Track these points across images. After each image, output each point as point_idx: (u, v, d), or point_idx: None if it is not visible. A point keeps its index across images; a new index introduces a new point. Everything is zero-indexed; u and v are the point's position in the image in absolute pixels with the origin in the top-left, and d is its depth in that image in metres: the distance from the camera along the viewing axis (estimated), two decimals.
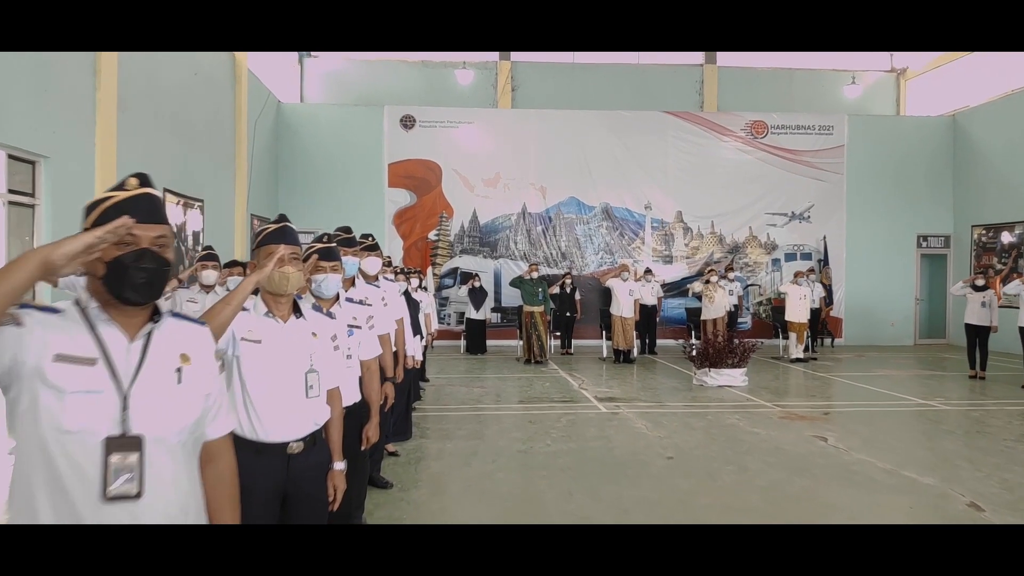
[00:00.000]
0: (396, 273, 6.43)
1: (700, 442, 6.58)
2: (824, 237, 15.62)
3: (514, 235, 15.37)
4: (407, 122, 15.26)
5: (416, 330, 6.71)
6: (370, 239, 5.01)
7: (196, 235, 10.46)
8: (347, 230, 4.86)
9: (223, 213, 11.72)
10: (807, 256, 15.85)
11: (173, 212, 9.63)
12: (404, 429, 6.43)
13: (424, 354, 9.11)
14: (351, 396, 3.45)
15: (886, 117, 16.65)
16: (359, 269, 4.86)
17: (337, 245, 3.60)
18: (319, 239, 3.45)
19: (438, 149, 15.26)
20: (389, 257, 10.06)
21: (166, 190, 9.36)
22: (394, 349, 5.04)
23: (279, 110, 15.12)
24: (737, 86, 16.59)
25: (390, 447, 6.02)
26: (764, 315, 15.70)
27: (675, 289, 15.21)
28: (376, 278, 5.04)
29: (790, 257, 15.84)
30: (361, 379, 3.66)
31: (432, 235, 15.25)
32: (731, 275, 13.62)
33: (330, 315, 2.93)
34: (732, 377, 9.86)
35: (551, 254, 15.39)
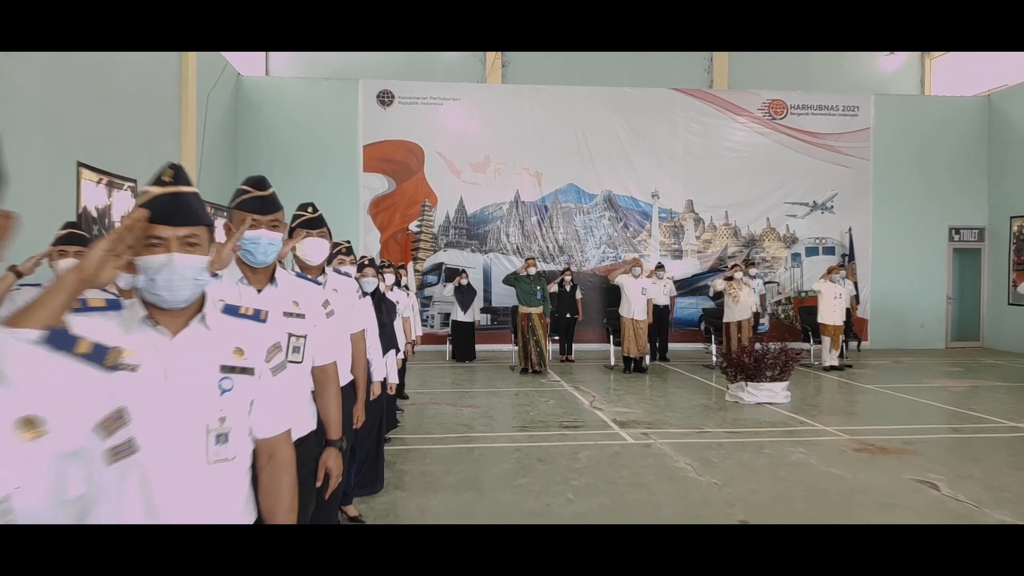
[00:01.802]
0: (364, 266, 4.71)
1: (772, 492, 4.92)
2: (849, 229, 14.06)
3: (506, 226, 13.66)
4: (385, 98, 13.49)
5: (390, 344, 4.98)
6: (309, 210, 3.32)
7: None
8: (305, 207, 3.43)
9: None
10: (830, 250, 14.29)
11: (92, 192, 7.82)
12: (372, 479, 4.72)
13: (402, 366, 7.42)
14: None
15: (915, 97, 15.11)
16: (295, 256, 3.20)
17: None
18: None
19: (420, 129, 13.51)
20: (366, 258, 8.34)
21: (80, 164, 7.55)
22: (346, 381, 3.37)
23: (239, 84, 13.29)
24: (750, 61, 14.89)
25: (351, 509, 4.30)
26: (784, 316, 14.11)
27: (686, 287, 13.57)
28: (321, 270, 3.35)
29: (811, 251, 14.27)
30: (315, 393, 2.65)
31: (413, 226, 13.51)
32: (752, 271, 11.99)
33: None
34: (773, 393, 8.22)
35: (547, 248, 13.69)
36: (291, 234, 3.33)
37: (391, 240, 13.44)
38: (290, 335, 2.36)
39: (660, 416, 7.51)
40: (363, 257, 4.86)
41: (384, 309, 4.97)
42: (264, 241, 2.31)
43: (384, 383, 4.83)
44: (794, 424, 7.21)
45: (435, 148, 13.51)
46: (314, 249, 3.27)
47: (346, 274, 3.53)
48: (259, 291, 2.39)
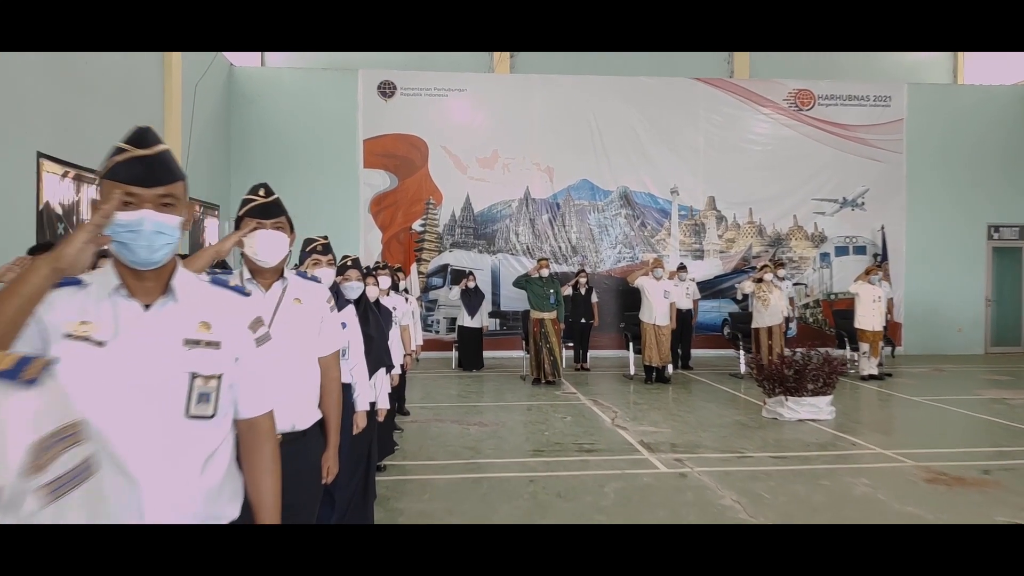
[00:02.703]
0: (345, 268, 3.89)
1: None
2: (882, 227, 13.15)
3: (515, 225, 12.82)
4: (386, 89, 12.68)
5: (380, 361, 4.14)
6: (261, 193, 2.54)
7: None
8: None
9: None
10: (861, 250, 13.40)
11: (56, 187, 7.02)
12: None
13: (403, 378, 6.60)
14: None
15: (951, 87, 14.18)
16: (243, 255, 2.44)
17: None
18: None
19: (424, 122, 12.69)
20: (349, 258, 7.58)
21: (41, 155, 6.74)
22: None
23: (231, 75, 12.51)
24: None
25: None
26: (813, 320, 13.21)
27: (708, 289, 12.68)
28: (279, 273, 2.56)
29: (841, 251, 13.37)
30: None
31: (417, 225, 12.68)
32: (780, 272, 11.10)
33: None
34: (816, 409, 7.35)
35: (560, 248, 12.84)
36: (238, 225, 2.52)
37: (393, 240, 12.62)
38: (193, 375, 1.53)
39: (692, 436, 6.64)
40: (345, 257, 4.01)
41: (372, 319, 4.13)
42: (148, 226, 1.48)
43: (372, 410, 4.00)
44: (845, 446, 6.33)
45: (440, 142, 12.69)
46: (267, 245, 2.45)
47: (314, 278, 2.69)
48: (146, 307, 1.55)
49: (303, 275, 2.65)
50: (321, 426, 2.64)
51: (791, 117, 13.22)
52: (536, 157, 12.80)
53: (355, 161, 12.67)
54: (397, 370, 5.52)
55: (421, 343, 7.82)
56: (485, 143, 12.75)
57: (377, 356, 4.08)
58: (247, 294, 1.70)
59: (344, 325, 3.45)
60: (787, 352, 7.87)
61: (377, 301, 5.33)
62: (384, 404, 4.14)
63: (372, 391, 4.06)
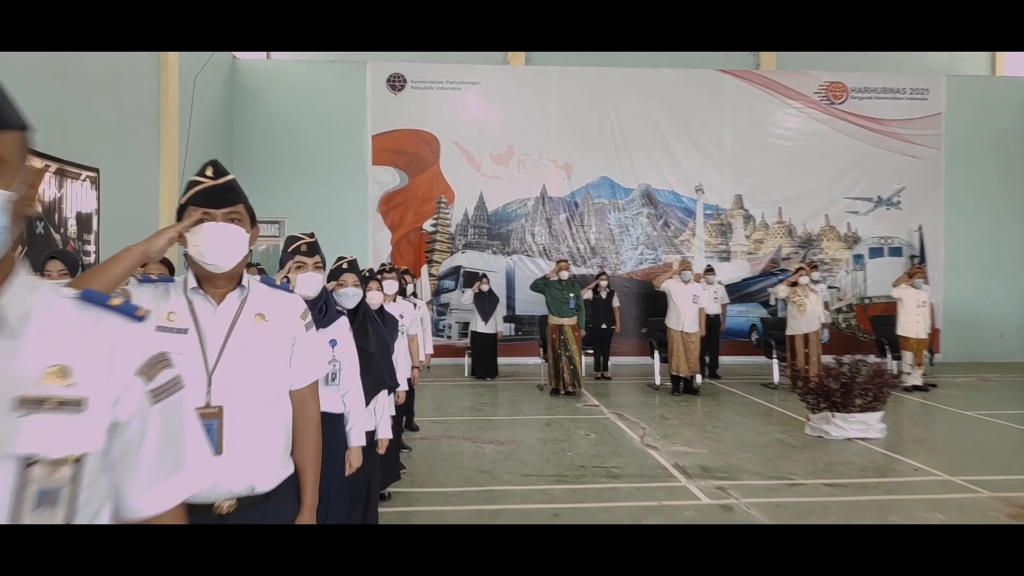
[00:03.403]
0: (341, 272, 3.28)
1: None
2: (919, 227, 12.41)
3: (531, 225, 12.18)
4: (396, 82, 12.08)
5: (382, 382, 3.51)
6: (209, 172, 1.93)
7: (86, 217, 7.28)
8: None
9: (137, 191, 8.54)
10: (897, 251, 12.67)
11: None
12: None
13: (411, 392, 6.00)
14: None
15: (992, 79, 13.43)
16: (187, 256, 1.76)
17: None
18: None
19: (435, 117, 12.08)
20: (344, 260, 7.01)
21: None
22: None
23: (234, 67, 11.95)
24: None
25: None
26: (846, 326, 12.49)
27: (735, 293, 11.98)
28: (237, 280, 1.95)
29: (876, 252, 12.65)
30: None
31: (428, 225, 12.07)
32: (814, 275, 10.38)
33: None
34: (866, 426, 6.66)
35: (578, 249, 12.19)
36: (180, 216, 1.90)
37: (403, 241, 12.02)
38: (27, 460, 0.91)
39: (732, 458, 5.97)
40: (341, 259, 3.38)
41: (373, 332, 3.50)
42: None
43: (371, 442, 3.37)
44: (905, 470, 5.65)
45: (452, 138, 12.08)
46: (217, 242, 1.83)
47: (284, 287, 2.05)
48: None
49: (270, 282, 2.02)
50: (295, 483, 2.01)
51: (822, 111, 12.52)
52: (553, 153, 12.17)
53: (363, 158, 12.09)
54: (404, 386, 4.89)
55: (431, 352, 7.19)
56: (499, 139, 12.13)
57: (378, 376, 3.45)
58: (140, 318, 1.05)
59: (334, 343, 2.83)
60: (830, 362, 7.18)
61: (381, 308, 4.71)
62: (386, 434, 3.50)
63: (372, 418, 3.44)
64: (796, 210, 12.49)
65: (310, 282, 2.77)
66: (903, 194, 12.59)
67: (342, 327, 2.92)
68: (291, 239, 2.84)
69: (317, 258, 2.81)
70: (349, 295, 3.33)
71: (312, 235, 2.85)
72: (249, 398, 1.84)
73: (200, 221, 1.83)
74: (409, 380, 5.67)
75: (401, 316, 5.48)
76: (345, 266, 3.38)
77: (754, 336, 12.27)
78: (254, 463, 1.84)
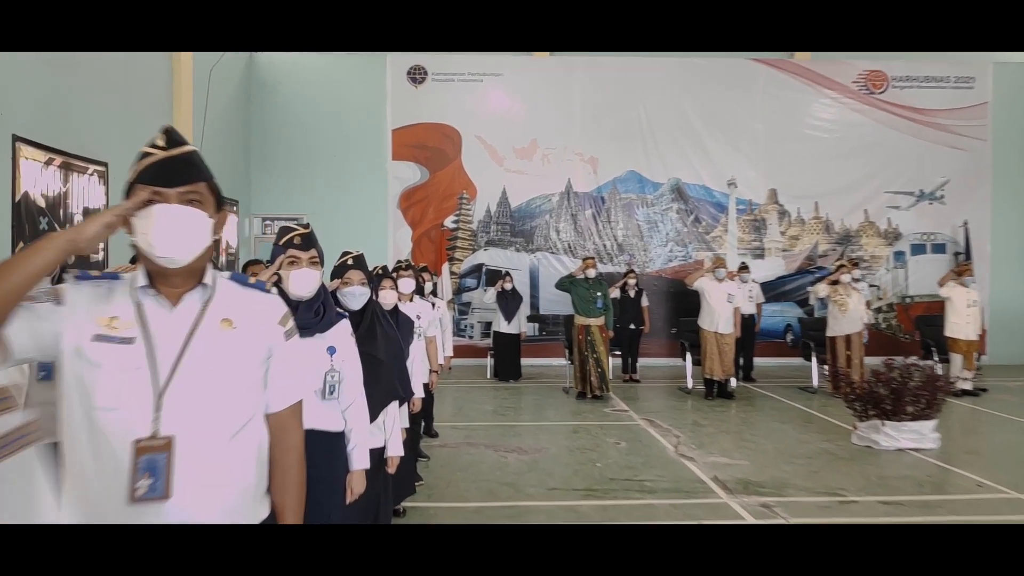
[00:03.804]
0: (345, 269, 2.89)
1: None
2: (964, 223, 11.80)
3: (556, 221, 11.76)
4: (416, 75, 11.73)
5: (391, 392, 3.12)
6: (160, 143, 1.52)
7: (93, 213, 6.99)
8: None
9: None
10: (940, 248, 12.06)
11: (38, 175, 6.16)
12: None
13: (430, 396, 5.64)
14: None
15: None
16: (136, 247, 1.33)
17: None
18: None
19: (457, 110, 11.71)
20: (350, 255, 6.69)
21: (17, 138, 5.88)
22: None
23: (251, 61, 11.67)
24: None
25: None
26: (886, 326, 11.91)
27: (769, 291, 11.45)
28: (198, 277, 1.54)
29: (918, 249, 12.05)
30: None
31: (449, 222, 11.71)
32: (855, 273, 9.84)
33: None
34: (919, 435, 6.17)
35: (604, 246, 11.75)
36: (128, 194, 1.52)
37: (424, 238, 11.66)
38: None
39: (775, 471, 5.51)
40: (346, 254, 3.00)
41: (382, 336, 3.11)
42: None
43: (380, 460, 3.00)
44: (968, 486, 5.16)
45: (474, 132, 11.70)
46: (170, 229, 1.44)
47: (258, 286, 1.65)
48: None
49: (241, 280, 1.63)
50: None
51: (861, 101, 11.95)
52: (579, 146, 11.74)
53: (383, 153, 11.75)
54: (420, 393, 4.51)
55: (451, 354, 6.81)
56: (523, 132, 11.72)
57: (387, 385, 3.07)
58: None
59: (332, 350, 2.44)
60: (874, 364, 6.68)
61: (396, 309, 4.34)
62: (396, 451, 3.11)
63: (380, 433, 3.06)
64: (833, 205, 11.94)
65: (305, 280, 2.40)
66: (947, 188, 11.98)
67: (343, 332, 2.53)
68: (283, 230, 2.47)
69: (313, 252, 2.43)
70: (355, 295, 2.95)
71: (307, 225, 2.47)
72: (210, 425, 1.46)
73: (148, 203, 1.45)
74: (427, 385, 5.30)
75: (418, 317, 5.11)
76: (350, 262, 3.00)
77: (789, 337, 11.75)
78: (216, 506, 1.45)
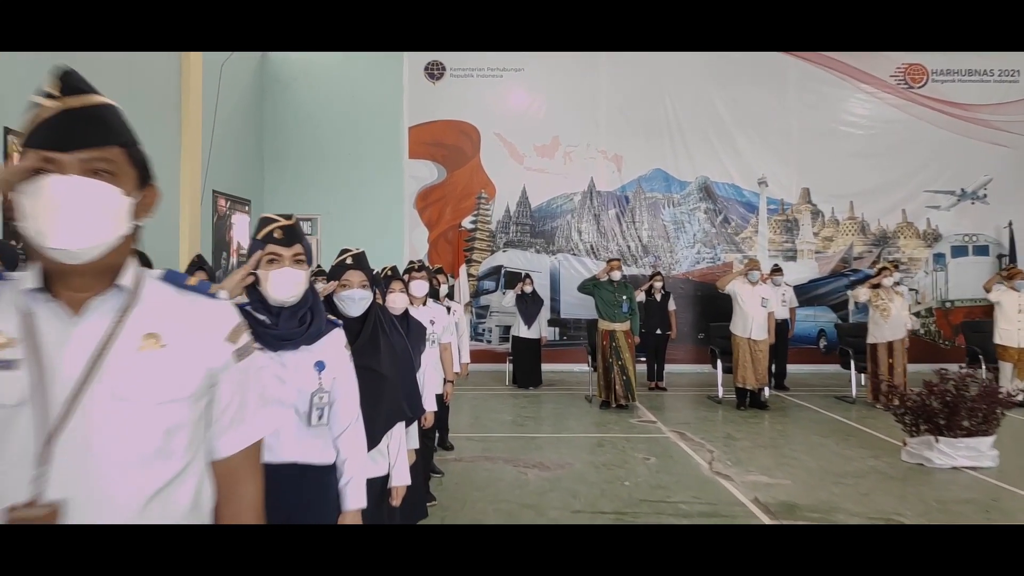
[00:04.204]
0: (343, 269, 2.46)
1: None
2: (1009, 224, 11.21)
3: (578, 221, 11.33)
4: (434, 70, 11.36)
5: (397, 411, 2.70)
6: (55, 87, 1.11)
7: None
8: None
9: None
10: (982, 250, 11.48)
11: None
12: None
13: (443, 408, 5.24)
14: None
15: None
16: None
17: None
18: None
19: (476, 106, 11.32)
20: (349, 254, 6.38)
21: (9, 131, 5.56)
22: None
23: (264, 56, 11.35)
24: None
25: None
26: (925, 332, 11.33)
27: (801, 295, 10.92)
28: (109, 277, 1.09)
29: (959, 251, 11.47)
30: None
31: (467, 222, 11.31)
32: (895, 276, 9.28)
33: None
34: (976, 453, 5.66)
35: (629, 247, 11.29)
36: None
37: (441, 239, 11.28)
38: None
39: (822, 492, 5.03)
40: (344, 252, 2.60)
41: (386, 347, 2.69)
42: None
43: (383, 491, 2.58)
44: None
45: (493, 129, 11.31)
46: (65, 209, 1.03)
47: (201, 288, 1.24)
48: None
49: (177, 279, 1.21)
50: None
51: (900, 96, 11.40)
52: (602, 144, 11.30)
53: (399, 151, 11.39)
54: (432, 406, 4.10)
55: (468, 361, 6.39)
56: (544, 129, 11.31)
57: (391, 405, 2.65)
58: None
59: (321, 366, 2.03)
60: (923, 372, 6.17)
61: (406, 314, 3.94)
62: (402, 480, 2.69)
63: (383, 459, 2.65)
64: (869, 205, 11.39)
65: (287, 281, 1.98)
66: (990, 187, 11.40)
67: (335, 343, 2.12)
68: (263, 221, 2.05)
69: (298, 248, 2.02)
70: (354, 299, 2.54)
71: (291, 217, 2.06)
72: (119, 485, 1.05)
73: (36, 173, 1.04)
74: (441, 396, 4.89)
75: (432, 322, 4.70)
76: (349, 261, 2.59)
77: (823, 343, 11.22)
78: None
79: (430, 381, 4.09)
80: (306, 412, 2.02)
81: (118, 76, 7.10)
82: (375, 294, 2.76)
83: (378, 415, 2.56)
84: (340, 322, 2.17)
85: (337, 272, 2.59)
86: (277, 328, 1.96)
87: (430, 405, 4.04)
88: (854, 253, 11.36)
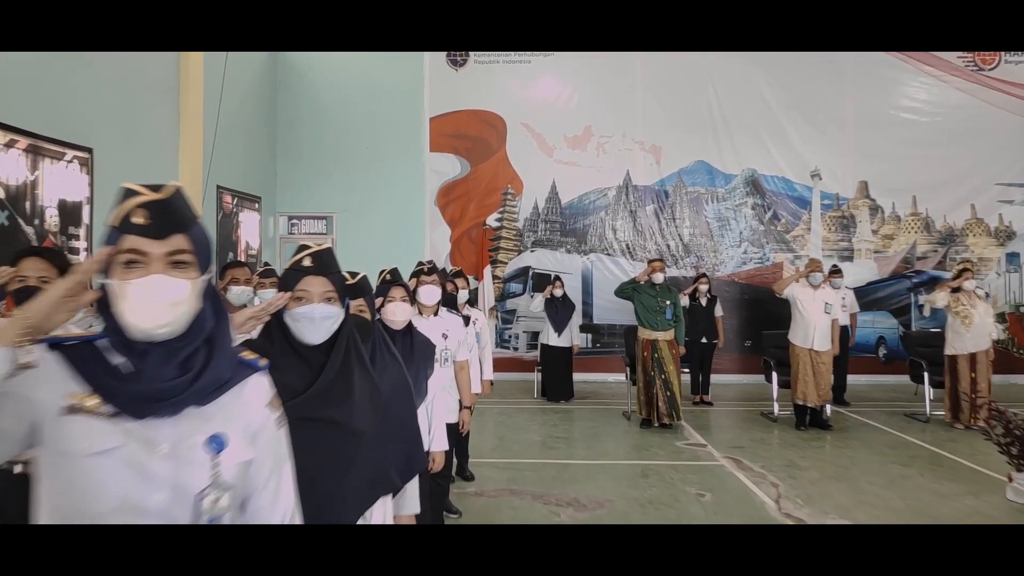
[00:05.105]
0: (300, 276, 1.60)
1: None
2: None
3: (612, 219, 10.44)
4: (457, 57, 10.56)
5: (379, 487, 1.86)
6: None
7: (73, 206, 5.96)
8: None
9: (148, 177, 7.19)
10: None
11: (1, 161, 5.13)
12: None
13: (462, 435, 4.44)
14: None
15: None
16: None
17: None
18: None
19: (501, 95, 10.50)
20: (307, 252, 5.46)
21: None
22: None
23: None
24: None
25: None
26: (997, 340, 10.23)
27: (859, 299, 9.91)
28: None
29: None
30: None
31: (492, 220, 10.49)
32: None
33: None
34: None
35: (668, 246, 10.37)
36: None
37: (464, 238, 10.46)
38: None
39: None
40: (303, 249, 1.76)
41: (363, 383, 1.85)
42: None
43: None
44: None
45: (520, 119, 10.47)
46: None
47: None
48: None
49: None
50: None
51: (968, 79, 10.34)
52: (639, 134, 10.39)
53: (420, 143, 10.59)
54: (443, 445, 3.26)
55: (491, 378, 5.54)
56: (575, 118, 10.44)
57: (371, 473, 1.82)
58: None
59: (216, 444, 1.19)
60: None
61: (410, 329, 3.14)
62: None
63: (388, 510, 1.81)
64: (934, 199, 10.34)
65: (152, 300, 1.15)
66: None
67: (249, 401, 1.28)
68: (122, 195, 1.23)
69: (180, 243, 1.19)
70: (312, 319, 1.72)
71: (165, 189, 1.23)
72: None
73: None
74: (454, 427, 4.06)
75: (445, 336, 3.88)
76: (307, 263, 1.78)
77: (882, 351, 10.21)
78: None
79: (439, 410, 3.26)
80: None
81: (102, 55, 6.37)
82: (351, 310, 1.94)
83: (348, 491, 1.74)
84: (261, 364, 1.32)
85: (288, 280, 1.77)
86: (139, 379, 1.13)
87: (439, 444, 3.22)
88: (917, 253, 10.32)
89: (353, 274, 2.28)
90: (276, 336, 1.77)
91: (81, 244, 6.05)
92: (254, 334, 1.83)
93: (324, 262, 1.77)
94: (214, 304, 1.24)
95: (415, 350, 3.07)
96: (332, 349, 1.77)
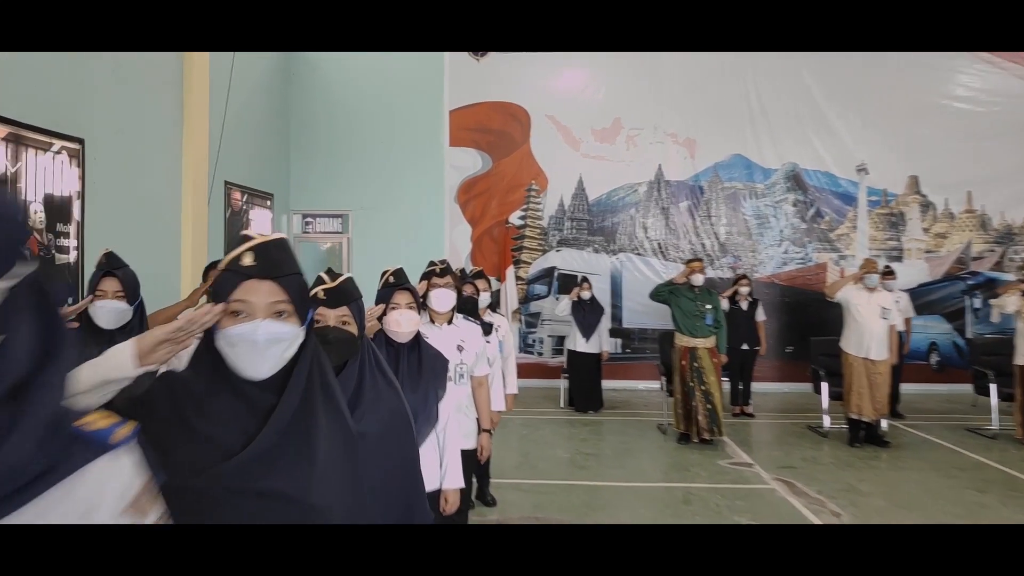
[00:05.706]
0: (246, 280, 1.05)
1: None
2: None
3: (643, 216, 9.83)
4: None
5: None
6: None
7: (61, 201, 5.49)
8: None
9: (145, 172, 6.70)
10: None
11: None
12: None
13: (478, 467, 3.87)
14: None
15: None
16: None
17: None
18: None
19: (525, 86, 9.94)
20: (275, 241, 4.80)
21: None
22: None
23: None
24: None
25: None
26: None
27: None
28: None
29: None
30: None
31: (516, 218, 9.93)
32: None
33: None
34: None
35: (704, 245, 9.74)
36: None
37: (485, 236, 9.92)
38: None
39: None
40: (246, 240, 1.21)
41: (371, 399, 1.32)
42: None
43: None
44: None
45: (545, 111, 9.91)
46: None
47: None
48: None
49: None
50: None
51: None
52: (671, 127, 9.78)
53: (439, 138, 10.07)
54: (457, 482, 2.70)
55: (515, 392, 4.97)
56: (604, 110, 9.85)
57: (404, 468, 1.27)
58: None
59: None
60: None
61: (417, 339, 2.59)
62: None
63: None
64: (991, 195, 9.62)
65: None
66: None
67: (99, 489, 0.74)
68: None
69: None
70: (255, 345, 1.19)
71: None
72: None
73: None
74: (470, 453, 3.50)
75: (461, 348, 3.33)
76: (247, 262, 1.23)
77: (934, 358, 9.51)
78: None
79: (454, 437, 2.70)
80: None
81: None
82: (312, 330, 1.39)
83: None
84: (118, 436, 0.77)
85: (223, 286, 1.22)
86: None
87: (453, 480, 2.65)
88: (972, 252, 9.59)
89: (333, 275, 1.74)
90: (204, 367, 1.22)
91: (71, 242, 5.60)
92: (178, 363, 1.28)
93: (273, 260, 1.22)
94: (42, 324, 0.69)
95: (424, 367, 2.54)
96: (285, 387, 1.22)
